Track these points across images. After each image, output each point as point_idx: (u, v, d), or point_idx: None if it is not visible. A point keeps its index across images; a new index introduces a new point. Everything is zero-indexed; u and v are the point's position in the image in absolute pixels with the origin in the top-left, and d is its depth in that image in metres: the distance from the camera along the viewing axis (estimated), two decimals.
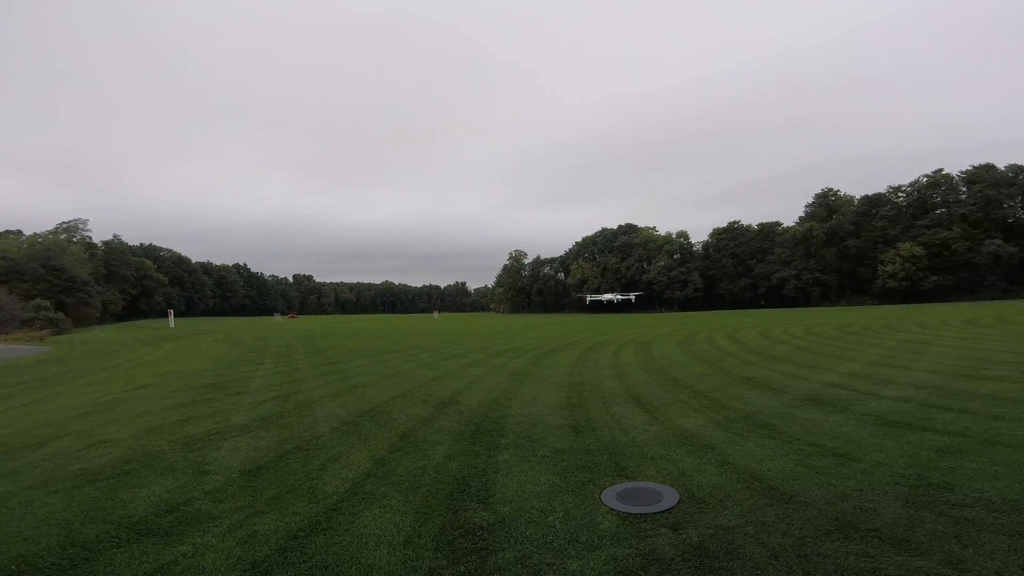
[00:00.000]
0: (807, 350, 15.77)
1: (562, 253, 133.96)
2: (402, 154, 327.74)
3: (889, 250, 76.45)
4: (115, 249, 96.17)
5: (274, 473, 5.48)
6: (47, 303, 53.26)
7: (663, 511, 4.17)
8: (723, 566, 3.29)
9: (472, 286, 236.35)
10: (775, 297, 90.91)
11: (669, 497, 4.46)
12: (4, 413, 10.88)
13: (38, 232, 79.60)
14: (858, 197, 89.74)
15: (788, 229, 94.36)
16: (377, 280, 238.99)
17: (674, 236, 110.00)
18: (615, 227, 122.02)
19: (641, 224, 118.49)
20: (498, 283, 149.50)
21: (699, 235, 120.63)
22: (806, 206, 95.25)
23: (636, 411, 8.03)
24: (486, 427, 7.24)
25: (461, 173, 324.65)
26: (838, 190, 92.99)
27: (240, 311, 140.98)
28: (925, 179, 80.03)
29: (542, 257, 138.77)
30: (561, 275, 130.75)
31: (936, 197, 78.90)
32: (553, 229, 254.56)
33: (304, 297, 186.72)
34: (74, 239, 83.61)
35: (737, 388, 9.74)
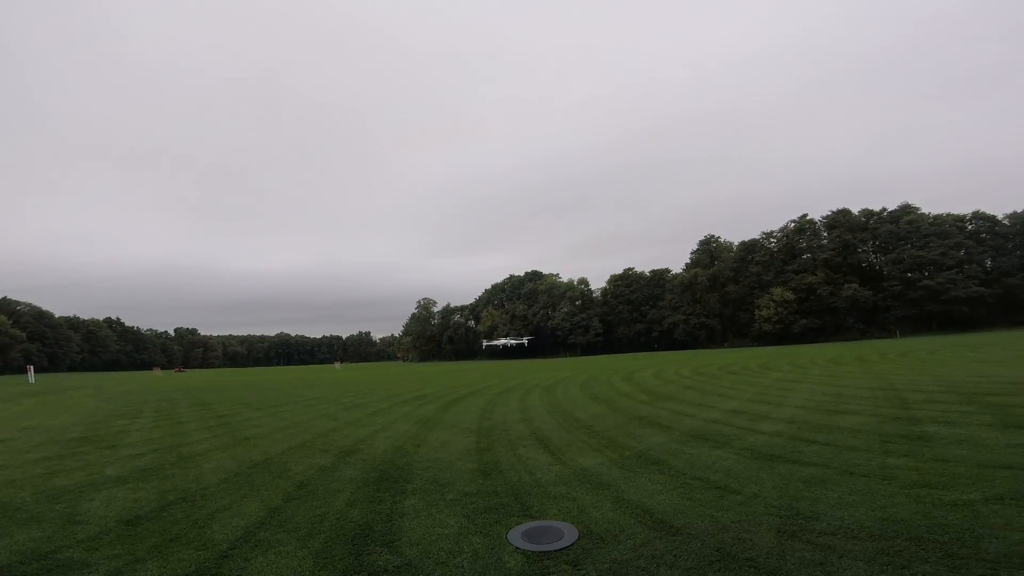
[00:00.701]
0: (694, 389, 16.97)
1: (472, 300, 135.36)
2: (296, 198, 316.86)
3: (764, 295, 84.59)
4: None
5: (156, 523, 5.19)
6: None
7: (564, 548, 4.37)
8: None
9: (377, 335, 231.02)
10: (667, 340, 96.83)
11: (569, 534, 4.67)
12: None
13: None
14: (736, 243, 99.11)
15: (676, 276, 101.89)
16: (271, 332, 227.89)
17: (575, 283, 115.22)
18: (522, 274, 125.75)
19: (546, 271, 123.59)
20: (406, 331, 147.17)
21: (599, 281, 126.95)
22: (691, 252, 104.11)
23: (541, 452, 8.25)
24: (392, 474, 7.13)
25: (363, 219, 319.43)
26: (719, 236, 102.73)
27: (113, 366, 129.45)
28: (793, 224, 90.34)
29: (452, 305, 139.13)
30: (472, 322, 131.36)
31: (803, 242, 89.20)
32: (462, 275, 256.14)
33: (188, 351, 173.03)
34: None
35: (632, 427, 10.29)
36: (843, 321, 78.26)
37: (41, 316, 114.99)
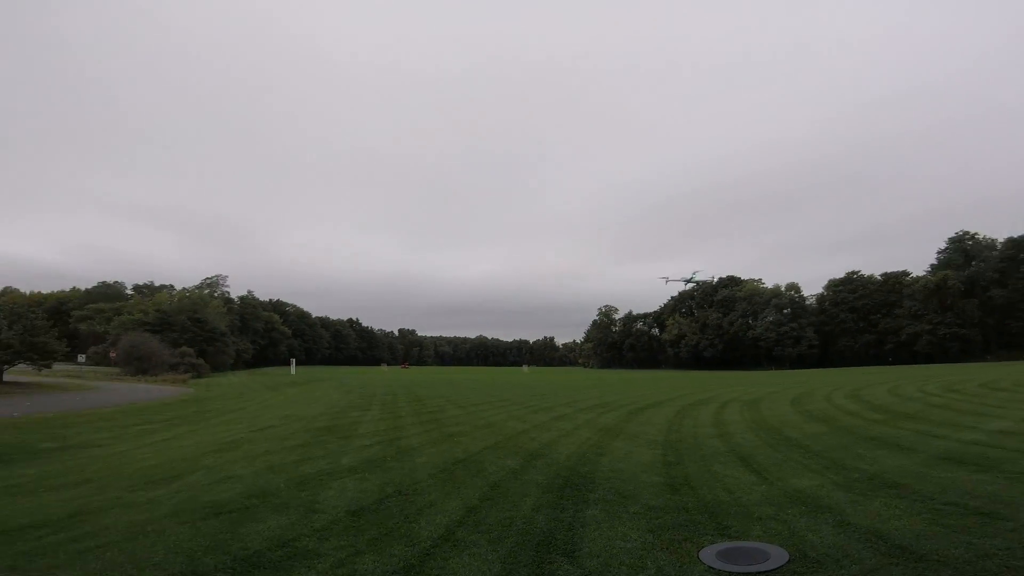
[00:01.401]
0: (945, 407, 13.87)
1: (656, 308, 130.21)
2: (493, 212, 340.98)
3: None
4: (248, 304, 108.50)
5: (375, 515, 5.66)
6: (191, 351, 60.59)
7: (770, 570, 3.75)
8: None
9: (560, 341, 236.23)
10: (905, 354, 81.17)
11: (777, 556, 3.97)
12: (150, 446, 12.54)
13: (186, 287, 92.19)
14: (1001, 240, 79.51)
15: (918, 279, 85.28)
16: (472, 334, 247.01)
17: (783, 289, 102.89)
18: (715, 280, 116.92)
19: (745, 276, 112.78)
20: (587, 338, 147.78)
21: (812, 287, 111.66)
22: (938, 252, 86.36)
23: (741, 470, 7.37)
24: (575, 481, 6.96)
25: (548, 228, 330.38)
26: (976, 233, 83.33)
27: (352, 361, 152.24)
28: None
29: (634, 312, 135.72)
30: (656, 330, 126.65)
31: None
32: (647, 281, 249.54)
33: (407, 349, 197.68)
34: (215, 294, 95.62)
35: (860, 447, 8.70)
36: None
37: (302, 316, 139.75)
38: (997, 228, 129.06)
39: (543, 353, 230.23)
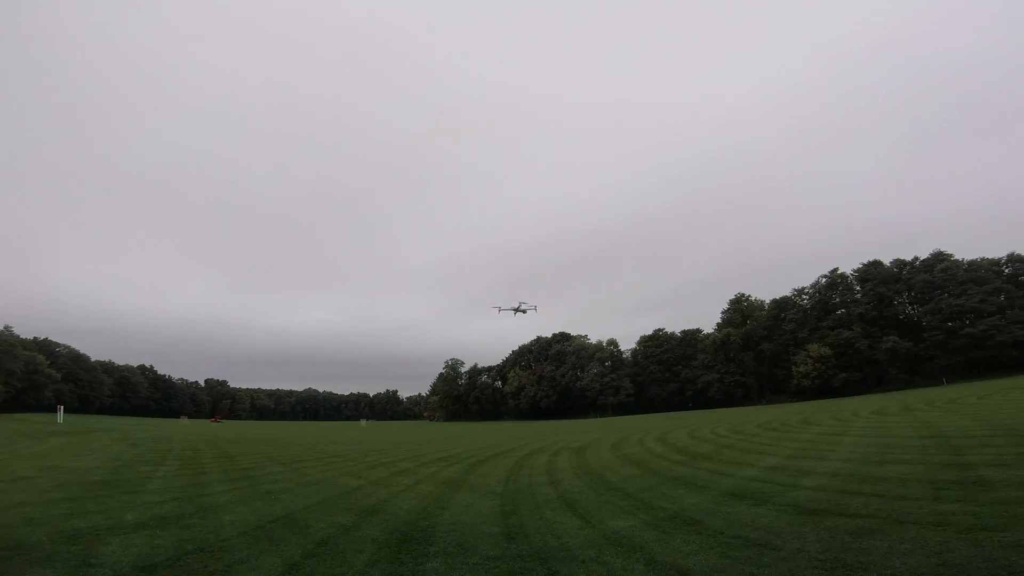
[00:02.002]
0: (731, 447, 16.23)
1: (499, 361, 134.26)
2: (330, 258, 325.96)
3: (800, 352, 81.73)
4: (3, 341, 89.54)
5: (171, 571, 5.12)
6: None
7: None
8: None
9: (404, 394, 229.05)
10: (701, 399, 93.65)
11: None
12: None
13: None
14: (768, 301, 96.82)
15: (708, 336, 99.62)
16: (299, 387, 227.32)
17: (604, 344, 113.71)
18: (550, 335, 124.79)
19: (574, 332, 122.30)
20: (433, 391, 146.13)
21: (628, 342, 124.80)
22: (722, 312, 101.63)
23: (568, 516, 7.94)
24: (414, 535, 6.91)
25: (395, 278, 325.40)
26: (750, 295, 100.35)
27: (142, 412, 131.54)
28: (824, 279, 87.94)
29: (479, 365, 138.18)
30: (499, 383, 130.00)
31: (836, 298, 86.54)
32: (489, 336, 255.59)
33: (216, 402, 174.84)
34: None
35: (666, 487, 9.87)
36: (885, 372, 74.75)
37: (77, 359, 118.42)
38: (766, 290, 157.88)
39: (386, 407, 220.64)
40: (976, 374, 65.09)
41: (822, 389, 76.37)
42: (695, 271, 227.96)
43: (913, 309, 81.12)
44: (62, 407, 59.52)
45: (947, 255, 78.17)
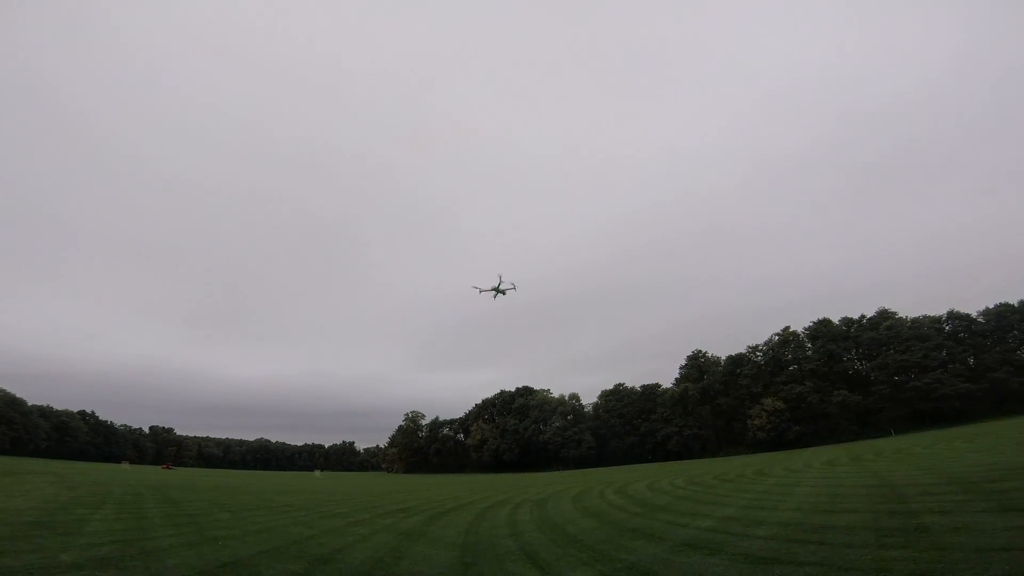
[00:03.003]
0: (688, 499, 16.44)
1: (462, 415, 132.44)
2: (285, 309, 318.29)
3: (755, 405, 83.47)
4: None
5: None
6: None
7: None
8: None
9: (362, 445, 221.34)
10: (661, 452, 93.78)
11: None
12: None
13: None
14: (724, 357, 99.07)
15: (667, 390, 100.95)
16: (251, 437, 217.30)
17: (567, 398, 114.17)
18: (513, 389, 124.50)
19: (537, 386, 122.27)
20: (392, 443, 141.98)
21: (589, 396, 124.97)
22: (680, 368, 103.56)
23: (529, 567, 7.97)
24: None
25: (351, 331, 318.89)
26: (706, 352, 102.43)
27: (81, 456, 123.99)
28: (777, 337, 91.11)
29: (441, 418, 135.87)
30: (461, 435, 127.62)
31: (788, 354, 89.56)
32: (451, 389, 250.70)
33: (161, 448, 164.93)
34: None
35: (624, 539, 9.96)
36: (836, 424, 76.94)
37: (13, 402, 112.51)
38: (721, 346, 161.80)
39: (342, 458, 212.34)
40: (922, 425, 67.75)
41: (777, 441, 77.83)
42: (654, 326, 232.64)
43: (861, 364, 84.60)
44: None
45: (891, 313, 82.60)
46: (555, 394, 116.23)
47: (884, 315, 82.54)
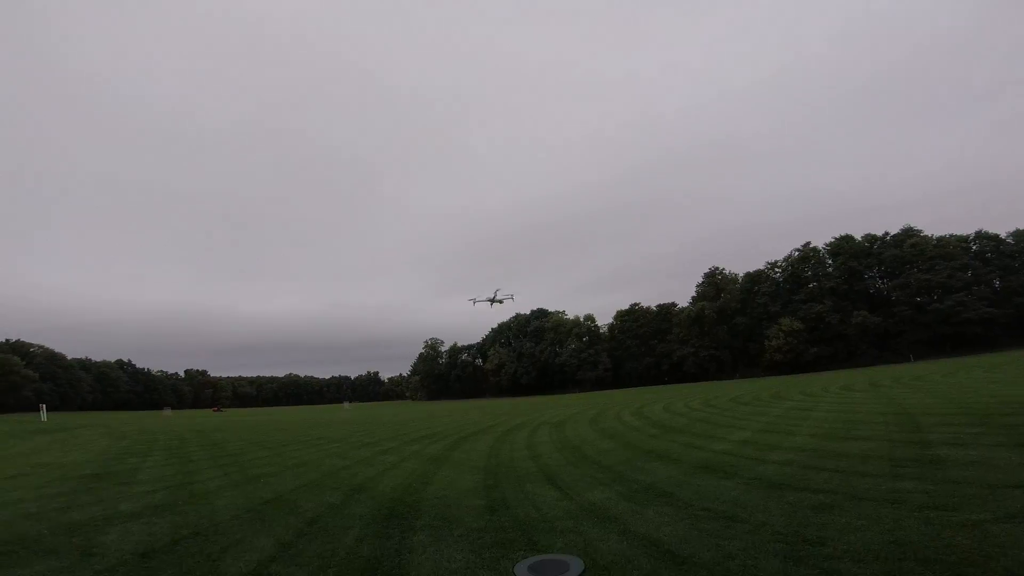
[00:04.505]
0: (704, 421, 16.83)
1: (479, 339, 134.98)
2: (303, 243, 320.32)
3: (773, 326, 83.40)
4: None
5: (170, 556, 5.31)
6: None
7: None
8: None
9: (386, 375, 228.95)
10: (677, 373, 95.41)
11: (575, 567, 4.64)
12: None
13: None
14: (741, 275, 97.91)
15: (683, 310, 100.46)
16: (280, 373, 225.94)
17: (582, 320, 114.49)
18: (528, 312, 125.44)
19: (552, 308, 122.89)
20: (414, 371, 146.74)
21: (605, 317, 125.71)
22: (697, 286, 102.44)
23: (548, 488, 8.24)
24: (400, 511, 7.16)
25: (369, 262, 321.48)
26: (724, 268, 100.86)
27: (124, 406, 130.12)
28: (797, 253, 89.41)
29: (459, 344, 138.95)
30: (479, 361, 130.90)
31: (808, 271, 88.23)
32: (468, 313, 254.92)
33: (198, 392, 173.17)
34: None
35: (640, 460, 10.25)
36: (855, 347, 76.88)
37: (53, 358, 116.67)
38: (739, 263, 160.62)
39: (367, 388, 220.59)
40: (942, 351, 67.43)
41: (794, 364, 78.42)
42: (669, 244, 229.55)
43: (883, 283, 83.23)
44: (44, 405, 59.04)
45: (916, 231, 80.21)
46: (570, 316, 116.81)
47: (909, 233, 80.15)
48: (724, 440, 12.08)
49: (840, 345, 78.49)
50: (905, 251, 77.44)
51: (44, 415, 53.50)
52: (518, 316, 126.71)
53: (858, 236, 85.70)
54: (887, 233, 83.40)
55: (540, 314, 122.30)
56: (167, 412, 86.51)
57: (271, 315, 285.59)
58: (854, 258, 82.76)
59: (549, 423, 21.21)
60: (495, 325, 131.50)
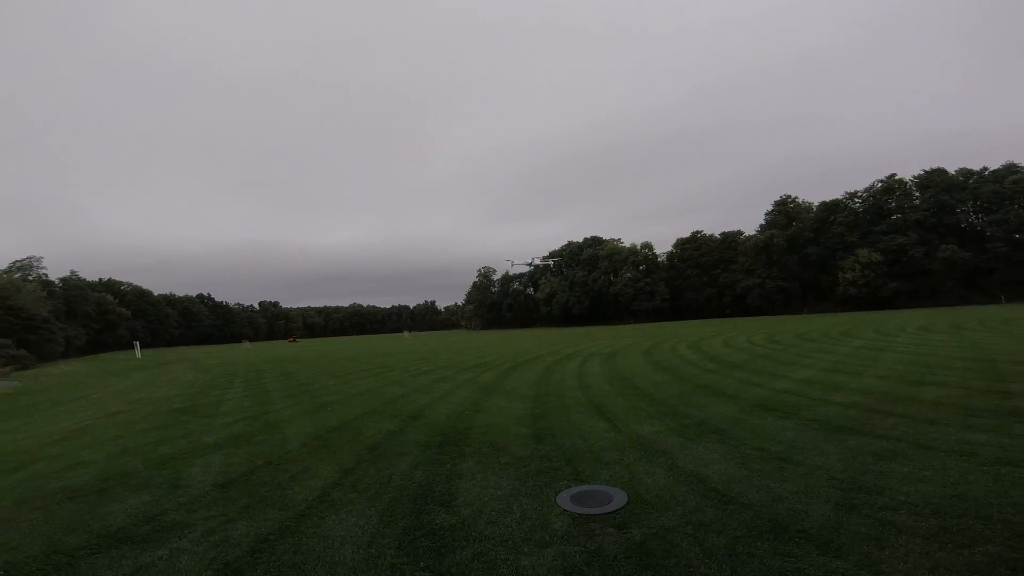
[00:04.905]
0: (766, 358, 16.34)
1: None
2: (362, 177, 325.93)
3: (848, 257, 78.23)
4: (73, 285, 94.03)
5: (245, 485, 5.75)
6: (8, 341, 51.46)
7: (611, 512, 4.43)
8: (660, 563, 3.54)
9: (442, 304, 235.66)
10: (740, 306, 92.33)
11: (618, 499, 4.71)
12: None
13: None
14: (816, 204, 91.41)
15: (750, 238, 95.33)
16: (345, 303, 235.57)
17: (639, 247, 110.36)
18: (581, 240, 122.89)
19: (606, 236, 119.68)
20: (468, 300, 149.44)
21: (664, 246, 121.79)
22: (766, 214, 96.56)
23: (596, 419, 8.29)
24: (452, 438, 7.46)
25: (424, 193, 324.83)
26: (796, 197, 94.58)
27: (206, 340, 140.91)
28: (880, 184, 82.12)
29: (511, 273, 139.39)
30: (531, 290, 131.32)
31: (891, 203, 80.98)
32: (520, 243, 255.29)
33: (271, 323, 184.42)
34: (29, 277, 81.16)
35: (695, 395, 10.10)
36: (939, 285, 71.29)
37: (142, 295, 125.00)
38: (815, 195, 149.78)
39: (425, 317, 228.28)
40: None
41: (869, 299, 74.07)
42: (737, 173, 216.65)
43: (977, 218, 75.72)
44: (138, 343, 65.26)
45: (1020, 166, 71.67)
46: (626, 244, 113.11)
47: (1011, 169, 71.91)
48: (785, 378, 11.70)
49: (922, 281, 73.00)
50: (1006, 187, 69.49)
51: (139, 352, 59.62)
52: (570, 244, 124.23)
53: (951, 170, 77.61)
54: (985, 168, 74.96)
55: (594, 242, 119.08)
56: (246, 344, 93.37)
57: (334, 247, 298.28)
58: (945, 191, 75.10)
59: (600, 354, 21.30)
60: (546, 253, 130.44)
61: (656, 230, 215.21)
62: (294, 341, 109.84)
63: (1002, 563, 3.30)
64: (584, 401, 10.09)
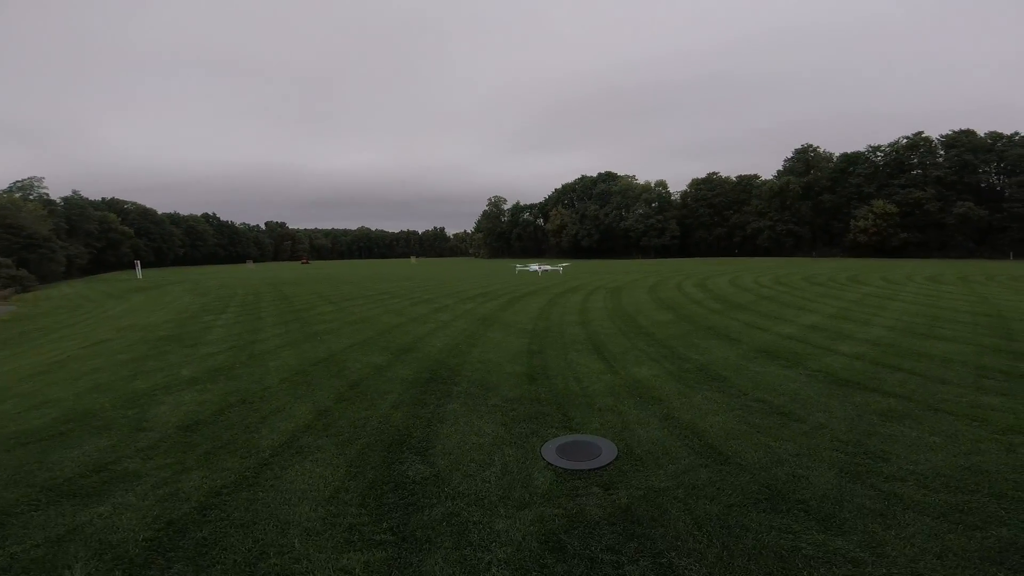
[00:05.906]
0: (772, 300, 15.95)
1: (541, 200, 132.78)
2: (377, 101, 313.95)
3: (863, 206, 76.72)
4: (75, 204, 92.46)
5: (212, 428, 5.38)
6: (7, 261, 51.12)
7: (598, 468, 4.15)
8: (645, 533, 3.25)
9: (451, 231, 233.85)
10: (749, 246, 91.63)
11: (607, 452, 4.43)
12: None
13: None
14: (837, 154, 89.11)
15: (766, 182, 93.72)
16: (353, 226, 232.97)
17: (653, 185, 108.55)
18: (595, 175, 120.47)
19: (621, 172, 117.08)
20: (477, 228, 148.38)
21: (678, 185, 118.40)
22: (785, 160, 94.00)
23: (593, 359, 8.02)
24: (441, 375, 7.18)
25: (441, 120, 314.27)
26: (818, 146, 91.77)
27: (211, 260, 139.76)
28: (905, 140, 79.12)
29: (521, 203, 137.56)
30: (540, 221, 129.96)
31: (914, 159, 78.14)
32: (533, 175, 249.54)
33: (277, 244, 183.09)
34: (30, 197, 79.94)
35: (697, 337, 9.79)
36: (950, 238, 69.87)
37: (145, 213, 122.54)
38: (835, 144, 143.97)
39: (433, 244, 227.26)
40: None
41: (878, 247, 72.98)
42: (761, 125, 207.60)
43: (998, 179, 73.13)
44: (139, 263, 64.43)
45: None
46: (640, 180, 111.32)
47: None
48: (791, 323, 11.36)
49: (933, 234, 71.47)
50: None
51: (140, 272, 59.16)
52: (583, 178, 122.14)
53: (981, 132, 73.81)
54: (1016, 132, 71.20)
55: (607, 177, 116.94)
56: (250, 265, 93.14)
57: (344, 170, 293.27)
58: (971, 151, 71.86)
59: (605, 288, 20.96)
60: (559, 186, 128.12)
61: (673, 168, 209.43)
62: (306, 262, 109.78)
63: (1016, 550, 2.99)
64: (583, 338, 9.80)
